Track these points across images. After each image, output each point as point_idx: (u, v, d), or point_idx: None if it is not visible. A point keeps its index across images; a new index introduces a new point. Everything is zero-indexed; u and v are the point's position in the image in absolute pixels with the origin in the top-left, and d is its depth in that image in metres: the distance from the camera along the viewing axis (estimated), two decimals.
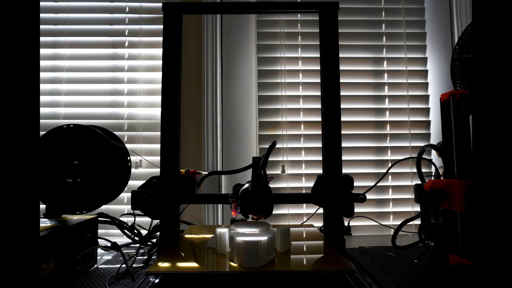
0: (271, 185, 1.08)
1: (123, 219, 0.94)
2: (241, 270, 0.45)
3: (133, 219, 0.94)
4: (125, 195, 1.09)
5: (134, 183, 0.78)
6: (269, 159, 1.09)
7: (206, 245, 0.58)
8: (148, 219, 0.90)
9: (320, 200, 0.62)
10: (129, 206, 1.09)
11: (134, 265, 0.72)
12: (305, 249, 0.57)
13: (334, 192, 0.61)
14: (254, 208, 0.54)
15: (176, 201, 0.62)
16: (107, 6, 1.17)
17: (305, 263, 0.49)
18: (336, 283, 0.45)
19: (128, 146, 0.83)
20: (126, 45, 1.16)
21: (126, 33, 1.16)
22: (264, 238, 0.47)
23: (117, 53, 1.15)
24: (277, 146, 1.11)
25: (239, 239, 0.47)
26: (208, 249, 0.55)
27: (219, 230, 0.52)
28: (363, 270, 0.68)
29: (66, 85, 1.14)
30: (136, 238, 0.89)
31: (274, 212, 1.08)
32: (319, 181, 0.63)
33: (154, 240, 0.87)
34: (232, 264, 0.47)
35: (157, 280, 0.43)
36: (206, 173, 0.75)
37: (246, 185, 0.55)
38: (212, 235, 0.57)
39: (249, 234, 0.50)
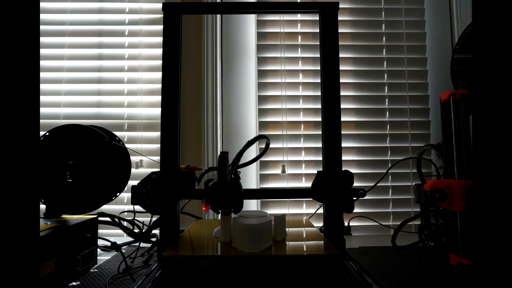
0: (272, 184, 1.09)
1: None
2: (243, 254, 0.51)
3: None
4: (125, 195, 1.09)
5: (134, 183, 0.78)
6: (269, 159, 1.10)
7: (212, 235, 0.64)
8: (148, 218, 0.90)
9: (320, 195, 0.62)
10: (129, 206, 1.09)
11: (134, 264, 0.72)
12: (298, 238, 0.63)
13: (334, 187, 0.61)
14: (222, 203, 0.54)
15: (176, 196, 0.62)
16: (107, 7, 1.17)
17: (297, 249, 0.56)
18: (332, 275, 0.52)
19: (128, 146, 0.83)
20: (126, 45, 1.16)
21: (126, 33, 1.16)
22: (262, 225, 0.53)
23: (117, 53, 1.15)
24: (277, 146, 1.11)
25: (242, 226, 0.52)
26: (214, 238, 0.62)
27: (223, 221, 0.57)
28: (363, 270, 0.68)
29: (66, 85, 1.14)
30: (136, 230, 0.89)
31: (274, 212, 1.09)
32: (319, 177, 0.63)
33: (154, 239, 0.87)
34: (235, 249, 0.54)
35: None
36: (206, 168, 0.75)
37: (214, 181, 0.55)
38: (218, 227, 0.63)
39: (249, 222, 0.53)
